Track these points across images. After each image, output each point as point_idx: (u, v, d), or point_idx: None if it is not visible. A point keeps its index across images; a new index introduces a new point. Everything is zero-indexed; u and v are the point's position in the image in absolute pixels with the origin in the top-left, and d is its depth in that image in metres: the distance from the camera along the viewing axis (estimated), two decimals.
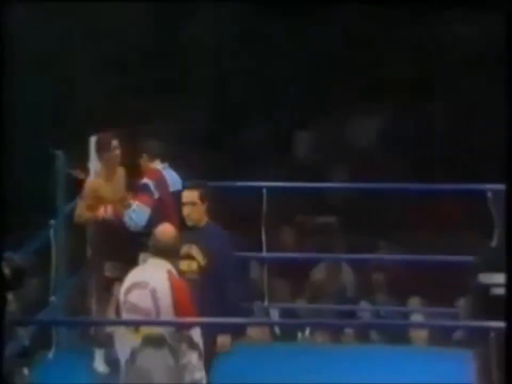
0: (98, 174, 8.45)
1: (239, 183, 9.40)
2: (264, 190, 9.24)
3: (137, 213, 7.89)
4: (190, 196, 7.20)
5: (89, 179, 8.46)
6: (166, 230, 6.58)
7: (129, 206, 7.95)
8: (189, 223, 7.08)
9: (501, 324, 6.25)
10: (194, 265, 6.96)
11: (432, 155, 12.34)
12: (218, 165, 11.19)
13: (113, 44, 12.66)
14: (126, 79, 12.72)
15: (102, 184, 8.30)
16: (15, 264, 6.66)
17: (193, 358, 6.35)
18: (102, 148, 8.36)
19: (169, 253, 6.49)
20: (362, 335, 10.31)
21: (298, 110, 13.02)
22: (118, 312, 6.53)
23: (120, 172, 8.37)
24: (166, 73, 12.76)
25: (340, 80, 12.88)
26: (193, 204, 7.12)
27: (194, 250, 7.00)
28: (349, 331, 10.31)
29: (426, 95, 12.87)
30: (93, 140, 8.68)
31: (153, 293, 6.37)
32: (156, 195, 7.97)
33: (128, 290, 6.48)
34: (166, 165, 8.15)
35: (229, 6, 13.04)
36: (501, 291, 6.44)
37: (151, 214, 7.85)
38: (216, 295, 6.91)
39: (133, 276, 6.53)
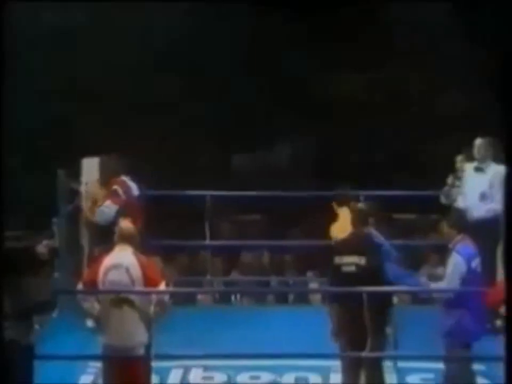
0: (97, 184, 8.37)
1: (188, 192, 9.38)
2: (208, 197, 9.29)
3: (108, 208, 7.87)
4: None
5: (89, 187, 8.41)
6: (126, 224, 6.56)
7: (102, 204, 7.95)
8: None
9: (371, 289, 6.31)
10: None
11: (325, 171, 12.50)
12: (174, 178, 11.09)
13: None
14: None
15: (98, 190, 8.27)
16: (51, 246, 6.78)
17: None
18: (104, 168, 8.30)
19: (130, 239, 6.41)
20: (278, 298, 10.28)
21: (235, 138, 13.22)
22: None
23: None
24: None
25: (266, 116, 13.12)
26: None
27: None
28: (269, 296, 10.37)
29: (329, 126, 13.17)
30: (85, 160, 8.66)
31: (127, 271, 6.27)
32: (123, 197, 7.95)
33: (106, 272, 6.32)
34: (128, 178, 8.09)
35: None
36: (349, 268, 6.51)
37: (119, 210, 7.79)
38: None
39: (107, 261, 6.37)
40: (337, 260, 6.56)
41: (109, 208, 7.90)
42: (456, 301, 6.41)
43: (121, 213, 7.67)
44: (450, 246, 6.61)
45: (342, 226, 7.60)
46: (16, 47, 11.00)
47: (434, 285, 6.74)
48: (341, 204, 7.82)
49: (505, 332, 5.87)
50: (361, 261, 6.44)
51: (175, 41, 12.66)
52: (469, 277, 6.46)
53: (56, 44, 12.26)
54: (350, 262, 6.49)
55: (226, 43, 12.70)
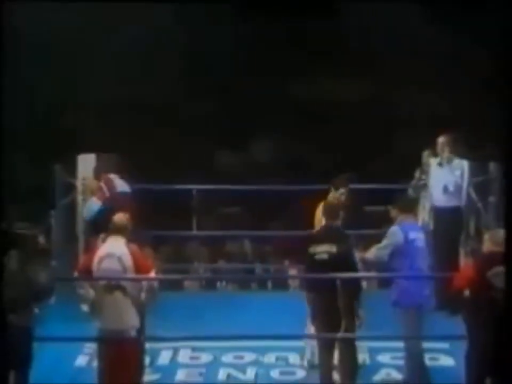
0: (92, 179, 8.44)
1: (177, 186, 9.42)
2: (194, 191, 9.38)
3: (93, 204, 7.94)
4: None
5: (87, 181, 8.49)
6: (119, 217, 6.54)
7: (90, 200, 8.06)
8: None
9: (343, 275, 6.36)
10: None
11: (302, 166, 12.60)
12: (165, 174, 11.06)
13: None
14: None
15: (95, 184, 8.32)
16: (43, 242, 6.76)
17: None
18: (99, 164, 8.43)
19: (123, 231, 6.43)
20: (260, 285, 10.43)
21: (219, 137, 13.25)
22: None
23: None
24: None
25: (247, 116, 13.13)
26: None
27: None
28: (252, 283, 10.53)
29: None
30: (80, 157, 8.73)
31: (120, 259, 6.29)
32: (107, 194, 7.97)
33: (100, 261, 6.34)
34: (116, 175, 8.11)
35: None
36: (322, 256, 6.56)
37: (103, 205, 7.84)
38: None
39: (101, 250, 6.40)
40: (312, 249, 6.64)
41: (93, 204, 7.97)
42: (401, 272, 6.53)
43: (107, 208, 7.69)
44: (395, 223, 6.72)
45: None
46: (16, 46, 10.83)
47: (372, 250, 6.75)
48: (337, 188, 7.81)
49: (468, 315, 5.99)
50: (332, 249, 6.50)
51: (166, 42, 12.55)
52: (406, 246, 6.56)
53: (55, 43, 12.12)
54: (322, 250, 6.56)
55: (213, 44, 12.63)
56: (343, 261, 6.47)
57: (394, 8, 12.59)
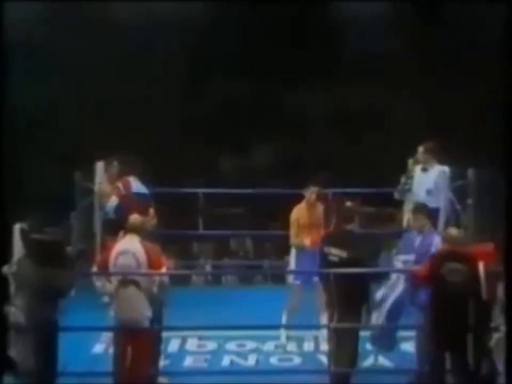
0: (106, 182, 8.67)
1: (183, 189, 9.54)
2: (200, 194, 9.50)
3: (111, 202, 8.10)
4: None
5: (101, 185, 8.66)
6: (134, 217, 6.61)
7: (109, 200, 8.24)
8: None
9: (340, 270, 6.46)
10: None
11: (298, 171, 12.30)
12: (172, 178, 11.00)
13: None
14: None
15: (108, 189, 8.54)
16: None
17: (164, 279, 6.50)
18: (107, 166, 8.66)
19: (138, 230, 6.52)
20: (262, 279, 10.47)
21: (221, 142, 13.22)
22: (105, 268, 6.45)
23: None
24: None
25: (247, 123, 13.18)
26: None
27: None
28: (256, 277, 10.57)
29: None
30: (98, 163, 8.82)
31: (134, 256, 6.36)
32: (123, 192, 8.10)
33: (116, 257, 6.41)
34: (133, 177, 8.22)
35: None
36: (334, 258, 6.61)
37: (120, 203, 7.99)
38: None
39: (117, 247, 6.48)
40: (326, 249, 6.67)
41: (112, 202, 8.10)
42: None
43: (122, 206, 7.84)
44: (424, 230, 6.73)
45: (304, 209, 7.77)
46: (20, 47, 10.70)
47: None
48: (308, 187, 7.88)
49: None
50: (343, 254, 6.53)
51: (167, 43, 12.30)
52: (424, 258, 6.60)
53: (54, 44, 11.84)
54: (334, 253, 6.59)
55: (213, 44, 12.34)
56: (352, 266, 6.44)
57: (393, 8, 12.47)
